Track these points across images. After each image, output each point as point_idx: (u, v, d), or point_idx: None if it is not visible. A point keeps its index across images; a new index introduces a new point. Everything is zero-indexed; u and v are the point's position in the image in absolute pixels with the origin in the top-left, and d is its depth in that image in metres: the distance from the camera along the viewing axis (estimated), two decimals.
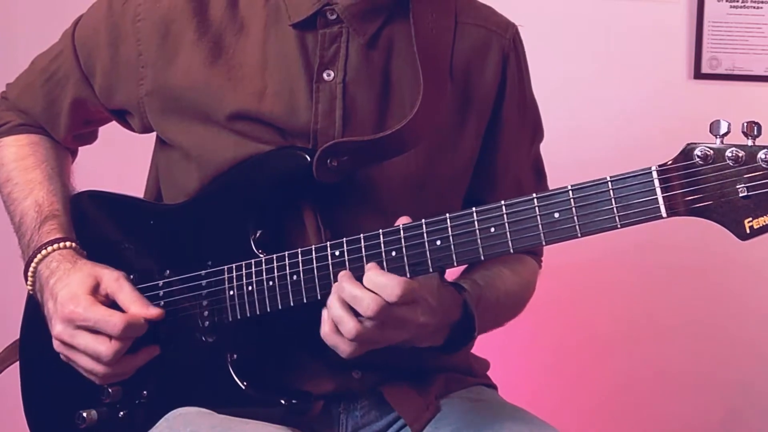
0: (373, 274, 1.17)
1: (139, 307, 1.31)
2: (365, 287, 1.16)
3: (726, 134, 1.04)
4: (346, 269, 1.20)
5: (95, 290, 1.33)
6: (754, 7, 2.45)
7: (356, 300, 1.16)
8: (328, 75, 1.34)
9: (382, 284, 1.15)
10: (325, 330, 1.19)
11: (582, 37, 2.51)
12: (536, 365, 2.51)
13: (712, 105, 2.43)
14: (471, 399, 1.43)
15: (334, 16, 1.34)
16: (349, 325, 1.16)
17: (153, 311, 1.32)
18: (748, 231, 1.01)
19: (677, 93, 2.48)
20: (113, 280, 1.34)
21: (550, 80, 2.22)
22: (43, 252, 1.39)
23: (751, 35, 2.46)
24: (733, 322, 2.52)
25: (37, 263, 1.40)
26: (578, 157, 2.28)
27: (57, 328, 1.32)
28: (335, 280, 1.21)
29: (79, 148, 1.63)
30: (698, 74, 2.47)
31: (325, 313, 1.20)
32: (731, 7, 2.45)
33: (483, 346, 1.45)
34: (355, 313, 1.16)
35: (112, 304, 1.33)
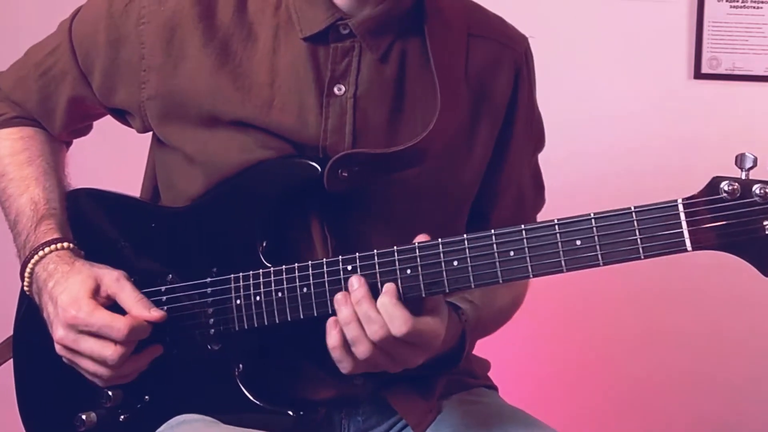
0: (387, 300, 1.16)
1: (140, 309, 1.30)
2: (378, 311, 1.16)
3: (752, 168, 1.04)
4: None
5: (96, 292, 1.31)
6: (754, 7, 2.45)
7: (369, 320, 1.16)
8: (339, 89, 1.32)
9: (392, 315, 1.15)
10: (333, 342, 1.19)
11: (582, 37, 2.50)
12: (537, 366, 2.52)
13: (712, 105, 2.44)
14: (471, 401, 1.43)
15: (346, 31, 1.32)
16: (365, 347, 1.16)
17: (155, 314, 1.30)
18: None
19: (677, 93, 2.48)
20: (114, 281, 1.32)
21: (549, 80, 2.21)
22: (40, 253, 1.37)
23: (751, 35, 2.46)
24: (733, 324, 2.54)
25: (34, 264, 1.37)
26: (578, 156, 2.29)
27: (59, 333, 1.30)
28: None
29: (74, 140, 1.60)
30: (698, 74, 2.47)
31: (332, 323, 1.19)
32: (731, 7, 2.45)
33: (484, 346, 1.45)
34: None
35: (113, 305, 1.31)
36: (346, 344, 1.18)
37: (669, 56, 2.48)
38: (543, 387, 2.48)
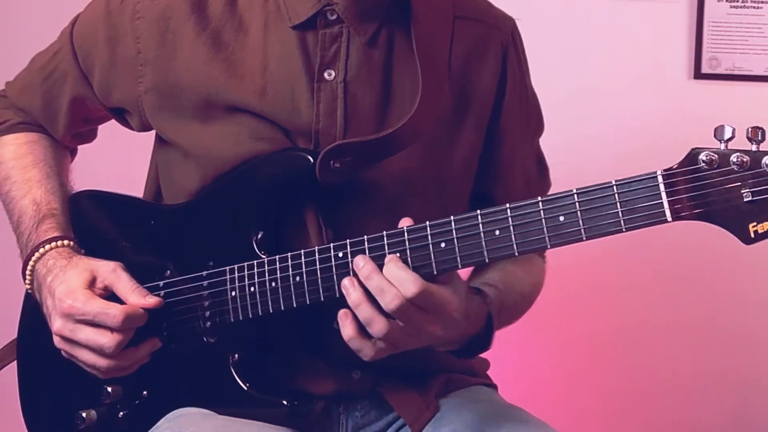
0: (393, 266, 1.16)
1: (137, 297, 1.31)
2: (388, 280, 1.15)
3: (730, 139, 1.05)
4: (349, 271, 1.20)
5: (92, 283, 1.33)
6: (754, 7, 2.45)
7: (382, 292, 1.14)
8: (329, 75, 1.34)
9: (401, 278, 1.14)
10: (349, 333, 1.18)
11: (582, 37, 2.51)
12: (537, 365, 2.51)
13: (712, 105, 2.43)
14: (470, 399, 1.43)
15: (334, 17, 1.34)
16: (381, 325, 1.15)
17: (151, 300, 1.31)
18: (752, 235, 1.01)
19: (677, 93, 2.48)
20: (110, 271, 1.34)
21: (550, 80, 2.21)
22: (41, 251, 1.40)
23: (751, 35, 2.46)
24: (734, 323, 2.52)
25: (35, 262, 1.40)
26: (578, 156, 2.30)
27: (57, 324, 1.31)
28: (338, 282, 1.20)
29: (79, 146, 1.63)
30: (698, 74, 2.47)
31: (343, 315, 1.18)
32: (731, 7, 2.45)
33: None
34: (381, 311, 1.15)
35: (110, 296, 1.33)
36: (362, 331, 1.17)
37: (669, 56, 2.47)
38: (542, 385, 2.46)
